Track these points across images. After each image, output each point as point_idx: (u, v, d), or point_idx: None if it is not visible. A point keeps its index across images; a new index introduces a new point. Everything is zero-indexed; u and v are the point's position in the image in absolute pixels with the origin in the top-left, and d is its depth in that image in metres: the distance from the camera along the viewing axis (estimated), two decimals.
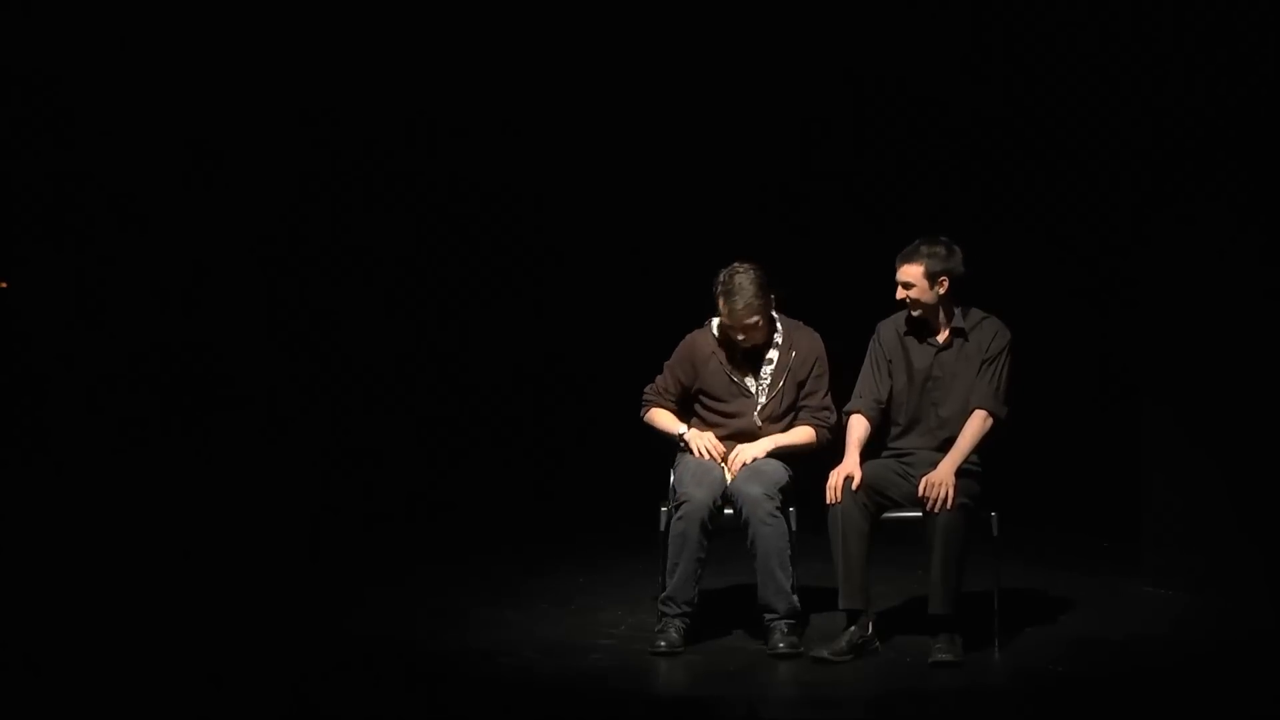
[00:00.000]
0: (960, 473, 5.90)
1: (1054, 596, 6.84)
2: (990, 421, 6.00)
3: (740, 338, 6.16)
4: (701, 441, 6.22)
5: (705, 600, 6.28)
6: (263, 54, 8.51)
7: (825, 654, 5.88)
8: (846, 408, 6.18)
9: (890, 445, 6.16)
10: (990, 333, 6.08)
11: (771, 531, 6.01)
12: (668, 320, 6.63)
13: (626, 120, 8.85)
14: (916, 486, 5.91)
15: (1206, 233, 6.78)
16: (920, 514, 5.91)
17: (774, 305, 6.21)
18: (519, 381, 9.34)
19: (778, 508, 6.03)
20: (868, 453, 6.10)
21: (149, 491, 8.38)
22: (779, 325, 6.26)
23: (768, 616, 6.07)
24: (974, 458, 6.00)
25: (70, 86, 8.34)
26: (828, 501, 5.95)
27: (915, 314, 6.09)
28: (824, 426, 6.25)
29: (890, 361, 6.14)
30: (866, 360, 6.19)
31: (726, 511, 6.18)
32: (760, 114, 8.88)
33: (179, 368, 8.73)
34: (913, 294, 6.05)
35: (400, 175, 9.05)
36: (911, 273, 6.05)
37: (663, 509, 6.21)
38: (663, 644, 6.04)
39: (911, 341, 6.13)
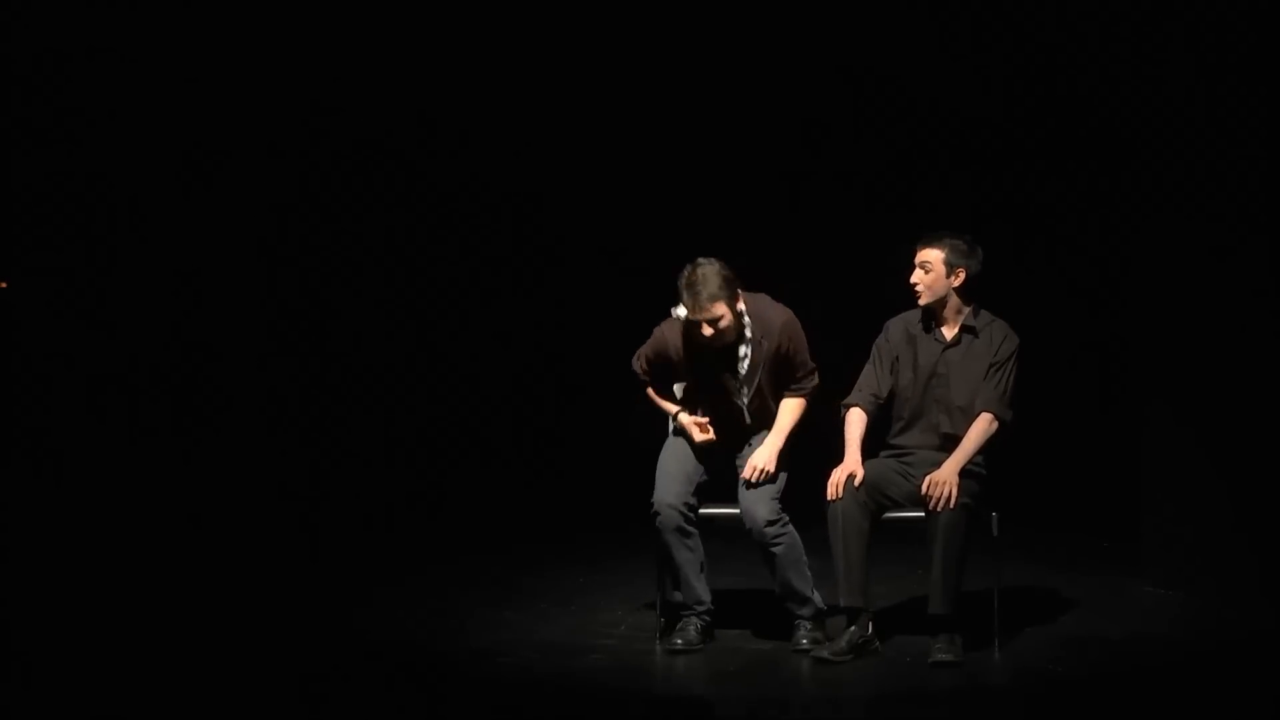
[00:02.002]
0: (962, 473, 5.89)
1: (1054, 596, 6.84)
2: (996, 425, 5.99)
3: (708, 333, 5.98)
4: (693, 430, 6.17)
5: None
6: (263, 55, 8.51)
7: (825, 654, 5.88)
8: (845, 401, 6.17)
9: (891, 441, 6.16)
10: (1000, 335, 6.07)
11: (784, 549, 6.04)
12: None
13: (625, 121, 8.85)
14: (917, 486, 5.91)
15: (1207, 232, 6.78)
16: (921, 514, 5.91)
17: (738, 298, 6.05)
18: (519, 381, 9.34)
19: (785, 524, 6.04)
20: (867, 449, 6.09)
21: (149, 491, 8.37)
22: (747, 319, 6.10)
23: (792, 618, 6.13)
24: (978, 459, 6.00)
25: (71, 86, 8.33)
26: (828, 498, 5.95)
27: (921, 303, 6.07)
28: (806, 392, 6.18)
29: (896, 358, 6.14)
30: (871, 355, 6.19)
31: (718, 511, 6.20)
32: (760, 114, 8.88)
33: (179, 367, 8.73)
34: (927, 279, 6.04)
35: (402, 176, 9.04)
36: (931, 255, 6.04)
37: None
38: (679, 641, 6.07)
39: (920, 338, 6.12)
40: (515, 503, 8.89)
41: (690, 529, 6.11)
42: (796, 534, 6.07)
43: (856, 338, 6.32)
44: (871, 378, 6.16)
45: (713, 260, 6.02)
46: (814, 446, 6.32)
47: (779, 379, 6.16)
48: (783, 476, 6.12)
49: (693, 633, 6.10)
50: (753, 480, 6.02)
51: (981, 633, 6.00)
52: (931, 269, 6.05)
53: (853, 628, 5.93)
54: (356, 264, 9.09)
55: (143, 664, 5.91)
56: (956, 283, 6.05)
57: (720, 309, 5.96)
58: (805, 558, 6.08)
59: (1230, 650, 6.09)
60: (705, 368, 6.16)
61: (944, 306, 6.09)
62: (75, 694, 5.54)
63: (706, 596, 6.15)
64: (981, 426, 5.98)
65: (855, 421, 6.10)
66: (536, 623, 6.50)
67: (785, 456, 6.12)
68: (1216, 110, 6.69)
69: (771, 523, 6.01)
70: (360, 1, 8.54)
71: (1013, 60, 8.52)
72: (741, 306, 6.07)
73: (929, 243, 6.06)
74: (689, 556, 6.11)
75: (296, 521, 8.43)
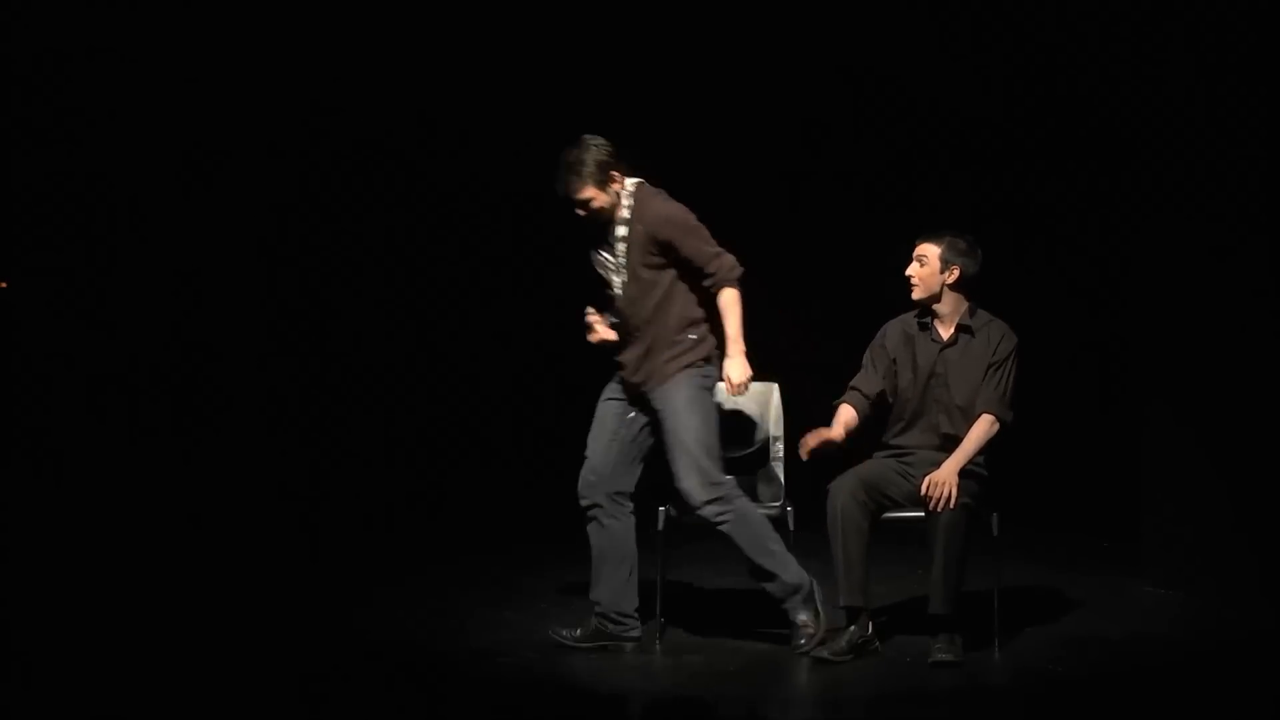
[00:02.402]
0: (963, 473, 5.89)
1: (1054, 596, 6.84)
2: (996, 426, 5.99)
3: (581, 214, 5.94)
4: (592, 326, 6.06)
5: (704, 600, 6.27)
6: (263, 55, 8.51)
7: (825, 654, 5.88)
8: (836, 401, 6.16)
9: (891, 442, 6.16)
10: (998, 335, 6.07)
11: (732, 526, 5.89)
12: None
13: (625, 121, 8.83)
14: (917, 486, 5.91)
15: (1207, 232, 6.78)
16: (921, 514, 5.91)
17: (615, 180, 5.92)
18: (519, 381, 9.34)
19: (726, 500, 5.87)
20: (864, 449, 6.09)
21: (149, 492, 8.38)
22: (628, 200, 5.96)
23: (780, 605, 5.98)
24: (979, 459, 6.00)
25: (71, 86, 8.34)
26: (801, 454, 5.95)
27: (914, 296, 6.08)
28: (726, 278, 5.90)
29: (894, 360, 6.14)
30: (865, 356, 6.19)
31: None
32: (760, 114, 8.89)
33: (179, 367, 8.73)
34: (921, 272, 6.05)
35: (402, 176, 9.05)
36: (929, 250, 6.05)
37: (660, 509, 6.21)
38: (563, 632, 6.06)
39: (917, 338, 6.12)
40: (515, 503, 8.88)
41: (609, 519, 5.98)
42: (748, 505, 5.95)
43: (856, 338, 6.32)
44: (863, 378, 6.16)
45: (595, 141, 5.96)
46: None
47: (656, 273, 5.93)
48: (707, 437, 5.90)
49: (579, 630, 6.04)
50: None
51: (981, 633, 6.00)
52: (927, 263, 6.06)
53: (853, 628, 5.92)
54: (356, 264, 9.10)
55: (143, 664, 5.91)
56: (950, 279, 6.06)
57: (589, 192, 5.91)
58: (766, 529, 5.92)
59: (1230, 650, 6.09)
60: (595, 248, 6.04)
61: (940, 304, 6.09)
62: (75, 694, 5.54)
63: (609, 600, 6.00)
64: (982, 427, 5.97)
65: (843, 412, 6.08)
66: (536, 623, 6.48)
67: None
68: (1216, 110, 6.69)
69: (710, 502, 5.88)
70: (360, 1, 8.55)
71: (1013, 60, 8.53)
72: (628, 188, 5.96)
73: (928, 237, 6.09)
74: (600, 545, 5.98)
75: (296, 521, 8.43)
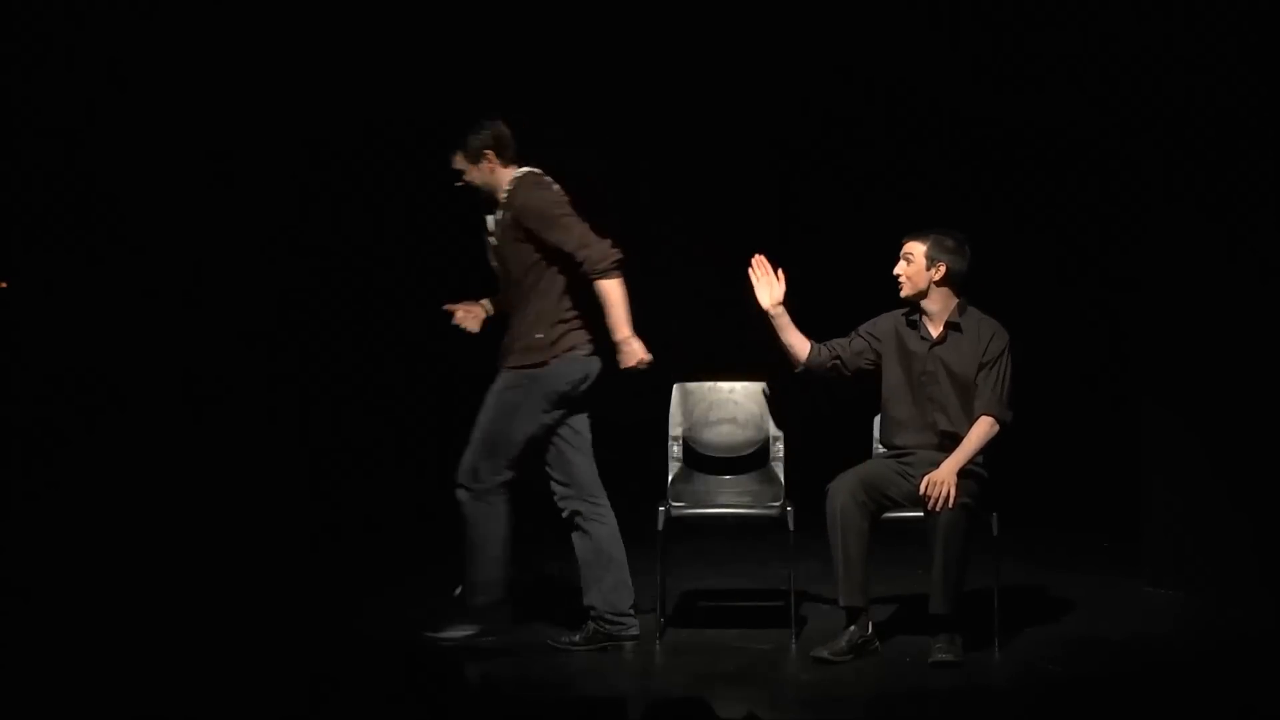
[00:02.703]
0: (962, 473, 5.89)
1: (1054, 596, 6.84)
2: (996, 428, 5.99)
3: (458, 184, 6.00)
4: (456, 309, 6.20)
5: (704, 600, 6.25)
6: (264, 54, 8.51)
7: (825, 654, 5.88)
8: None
9: (889, 444, 6.16)
10: (989, 333, 6.07)
11: (469, 520, 5.96)
12: (667, 319, 6.62)
13: (623, 121, 8.85)
14: (916, 486, 5.91)
15: (1208, 233, 6.78)
16: (921, 513, 5.91)
17: (494, 163, 5.99)
18: None
19: (480, 494, 5.93)
20: (859, 453, 6.12)
21: (149, 491, 8.37)
22: (511, 185, 6.02)
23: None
24: (978, 458, 6.00)
25: (71, 86, 8.33)
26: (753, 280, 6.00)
27: (902, 294, 6.09)
28: (597, 270, 5.88)
29: (879, 354, 6.15)
30: (851, 331, 6.22)
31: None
32: (760, 114, 8.88)
33: (179, 367, 8.73)
34: (908, 270, 6.07)
35: (402, 176, 9.04)
36: (914, 248, 6.08)
37: (660, 509, 6.21)
38: (562, 637, 6.13)
39: (907, 335, 6.13)
40: (514, 503, 8.85)
41: (589, 523, 6.06)
42: (496, 515, 5.99)
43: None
44: (835, 341, 6.18)
45: (490, 122, 6.02)
46: (813, 445, 6.31)
47: (532, 257, 5.97)
48: (482, 446, 5.98)
49: (578, 635, 6.10)
50: (637, 367, 5.89)
51: (981, 633, 6.00)
52: (913, 261, 6.08)
53: (852, 627, 5.92)
54: (357, 264, 9.09)
55: (143, 664, 5.91)
56: (936, 277, 6.07)
57: (460, 163, 5.99)
58: (493, 543, 5.95)
59: (1231, 650, 6.10)
60: (486, 232, 6.09)
61: (928, 301, 6.10)
62: (76, 694, 5.54)
63: (602, 603, 6.05)
64: (982, 429, 5.98)
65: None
66: (535, 623, 6.49)
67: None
68: (1219, 109, 6.69)
69: (463, 487, 5.97)
70: (361, 2, 8.55)
71: (1013, 60, 8.52)
72: (516, 174, 6.00)
73: (915, 235, 6.12)
74: (584, 550, 6.08)
75: (296, 522, 8.42)
